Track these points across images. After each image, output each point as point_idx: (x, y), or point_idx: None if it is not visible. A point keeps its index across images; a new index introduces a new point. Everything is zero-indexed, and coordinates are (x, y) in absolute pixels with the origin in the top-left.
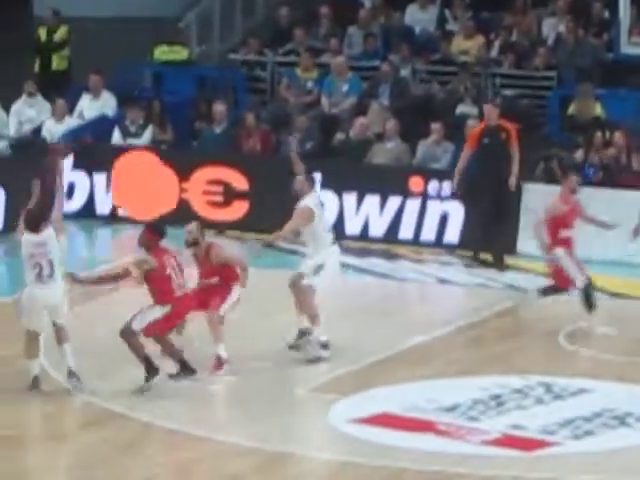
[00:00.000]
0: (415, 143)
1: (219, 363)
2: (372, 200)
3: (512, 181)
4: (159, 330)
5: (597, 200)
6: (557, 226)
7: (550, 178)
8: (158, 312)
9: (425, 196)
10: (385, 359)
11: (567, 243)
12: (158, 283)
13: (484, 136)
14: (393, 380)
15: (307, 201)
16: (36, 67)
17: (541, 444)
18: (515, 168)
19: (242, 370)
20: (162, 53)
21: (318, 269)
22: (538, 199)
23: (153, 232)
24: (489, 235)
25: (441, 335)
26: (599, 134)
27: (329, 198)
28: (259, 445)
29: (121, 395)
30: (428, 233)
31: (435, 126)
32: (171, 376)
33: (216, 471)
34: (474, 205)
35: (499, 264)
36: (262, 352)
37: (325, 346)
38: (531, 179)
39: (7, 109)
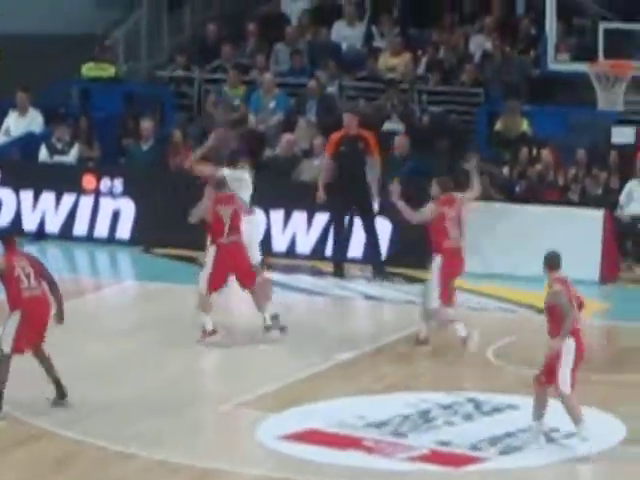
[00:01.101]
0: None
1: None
2: (299, 217)
3: (375, 207)
4: (27, 342)
5: (522, 215)
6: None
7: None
8: (12, 324)
9: None
10: (312, 375)
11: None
12: (7, 285)
13: (342, 144)
14: (320, 396)
15: None
16: None
17: (469, 460)
18: (374, 187)
19: (169, 386)
20: (89, 70)
21: None
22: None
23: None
24: (339, 244)
25: (368, 351)
26: (525, 150)
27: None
28: (188, 462)
29: (51, 412)
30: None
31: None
32: (49, 400)
33: None
34: (339, 213)
35: (339, 272)
36: (188, 367)
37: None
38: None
39: None
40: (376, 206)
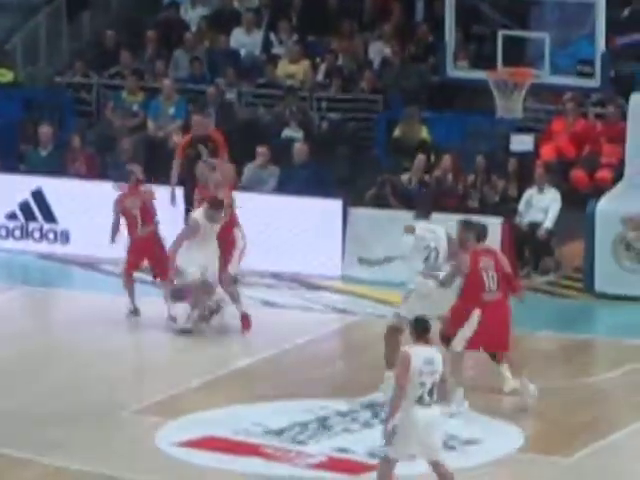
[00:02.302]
0: (241, 166)
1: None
2: None
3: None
4: None
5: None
6: None
7: (380, 203)
8: None
9: None
10: (210, 382)
11: None
12: None
13: (191, 146)
14: (218, 403)
15: None
16: None
17: (367, 468)
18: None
19: (65, 391)
20: None
21: None
22: (365, 224)
23: None
24: None
25: (266, 357)
26: (422, 157)
27: None
28: (87, 468)
29: None
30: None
31: (261, 150)
32: None
33: None
34: None
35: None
36: (88, 373)
37: None
38: (361, 203)
39: None
40: None
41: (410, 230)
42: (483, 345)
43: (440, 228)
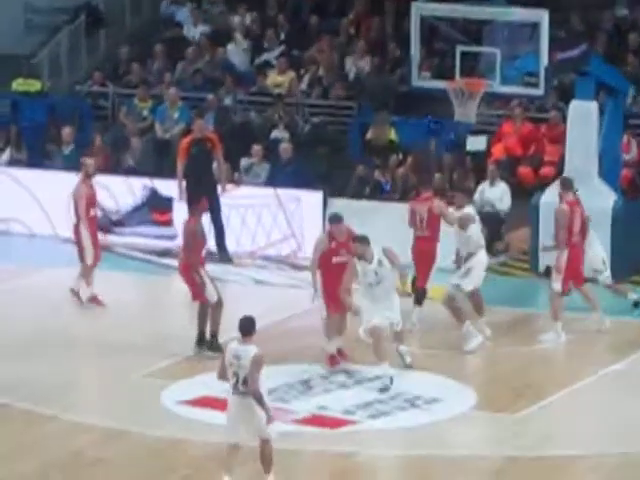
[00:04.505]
0: (236, 162)
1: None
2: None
3: (223, 186)
4: None
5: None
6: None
7: (357, 194)
8: None
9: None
10: None
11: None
12: None
13: (192, 147)
14: (214, 368)
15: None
16: None
17: (343, 423)
18: (222, 175)
19: (83, 357)
20: (19, 85)
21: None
22: (343, 213)
23: None
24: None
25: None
26: (394, 156)
27: None
28: (102, 424)
29: None
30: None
31: (256, 148)
32: None
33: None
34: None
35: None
36: (100, 339)
37: None
38: (340, 195)
39: None
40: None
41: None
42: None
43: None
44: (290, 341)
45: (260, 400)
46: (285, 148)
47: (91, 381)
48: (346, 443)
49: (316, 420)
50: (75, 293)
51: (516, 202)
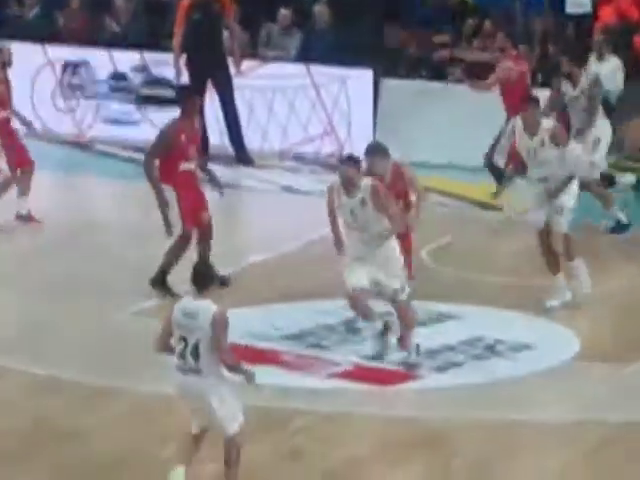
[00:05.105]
0: (256, 31)
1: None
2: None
3: (237, 64)
4: None
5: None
6: None
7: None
8: None
9: None
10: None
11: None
12: None
13: (194, 11)
14: (231, 303)
15: None
16: None
17: (401, 377)
18: (236, 48)
19: (61, 293)
20: None
21: None
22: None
23: None
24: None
25: (288, 252)
26: (469, 22)
27: None
28: (82, 379)
29: None
30: None
31: (283, 12)
32: None
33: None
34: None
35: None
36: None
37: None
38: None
39: None
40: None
41: None
42: None
43: None
44: (327, 269)
45: (237, 369)
46: (321, 11)
47: (69, 323)
48: (405, 405)
49: (364, 374)
50: (25, 217)
51: (631, 83)
